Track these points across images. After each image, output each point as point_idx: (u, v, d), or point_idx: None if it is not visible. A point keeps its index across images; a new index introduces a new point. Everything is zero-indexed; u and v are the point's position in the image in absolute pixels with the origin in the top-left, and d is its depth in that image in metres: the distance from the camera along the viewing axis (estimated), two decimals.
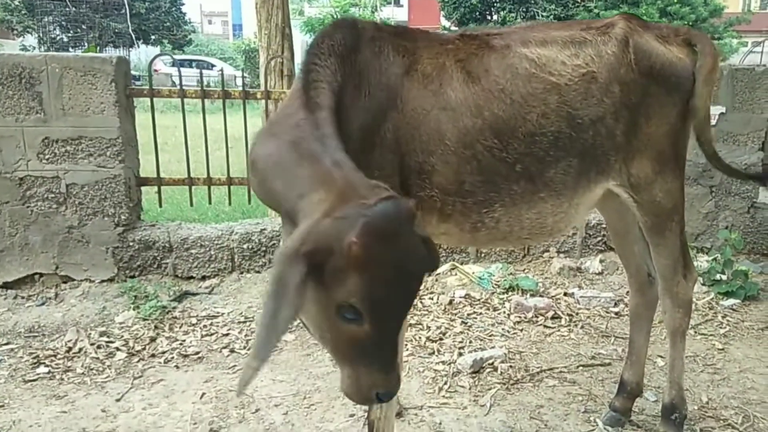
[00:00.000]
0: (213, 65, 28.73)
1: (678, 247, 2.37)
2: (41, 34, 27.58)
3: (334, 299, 1.47)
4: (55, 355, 3.46)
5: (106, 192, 4.18)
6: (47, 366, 3.34)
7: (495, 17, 22.50)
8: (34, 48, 27.05)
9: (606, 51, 2.11)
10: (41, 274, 4.26)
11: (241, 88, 4.29)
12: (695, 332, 3.79)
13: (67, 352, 3.50)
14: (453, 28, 23.79)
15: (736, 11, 27.25)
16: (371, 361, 1.55)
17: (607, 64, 2.10)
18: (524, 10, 21.70)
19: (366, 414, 2.85)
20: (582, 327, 3.89)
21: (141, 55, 30.30)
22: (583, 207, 2.23)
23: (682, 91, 2.21)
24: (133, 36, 26.92)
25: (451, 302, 4.17)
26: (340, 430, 2.79)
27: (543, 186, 2.06)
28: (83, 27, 28.10)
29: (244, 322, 3.92)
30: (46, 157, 4.09)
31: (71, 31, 28.24)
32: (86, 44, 27.98)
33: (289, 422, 2.84)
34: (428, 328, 3.82)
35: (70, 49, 27.60)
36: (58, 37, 28.18)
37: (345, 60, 1.91)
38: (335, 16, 31.89)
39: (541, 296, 4.22)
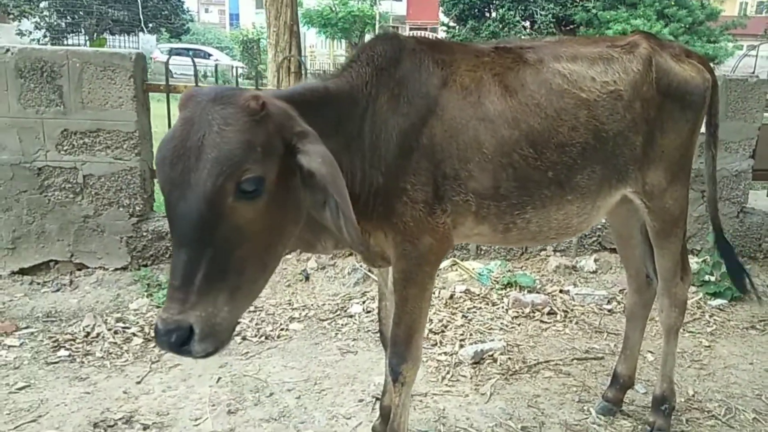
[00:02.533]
0: (210, 54, 28.79)
1: (679, 251, 2.56)
2: (38, 19, 27.47)
3: None
4: (74, 340, 3.62)
5: (121, 183, 4.32)
6: (67, 350, 3.50)
7: (494, 14, 22.64)
8: (30, 33, 26.95)
9: (631, 69, 2.29)
10: (56, 261, 4.40)
11: (254, 87, 4.43)
12: (684, 330, 3.99)
13: (86, 336, 3.65)
14: (451, 24, 23.93)
15: (732, 15, 27.56)
16: None
17: (632, 82, 2.28)
18: (523, 8, 21.86)
19: (376, 399, 3.04)
20: (576, 323, 4.08)
21: (139, 42, 30.30)
22: (603, 209, 2.41)
23: (694, 108, 2.42)
24: (141, 23, 26.89)
25: (452, 297, 4.35)
26: (350, 413, 2.96)
27: (570, 190, 2.23)
28: (81, 13, 28.00)
29: (254, 311, 4.08)
30: (65, 148, 4.23)
31: (68, 17, 28.14)
32: (83, 30, 27.93)
33: (302, 405, 3.02)
34: (431, 320, 4.00)
35: (68, 36, 27.51)
36: (55, 23, 28.06)
37: (383, 71, 2.06)
38: (333, 8, 32.00)
39: (538, 293, 4.41)
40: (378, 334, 3.78)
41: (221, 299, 1.54)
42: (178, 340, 1.49)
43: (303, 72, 5.40)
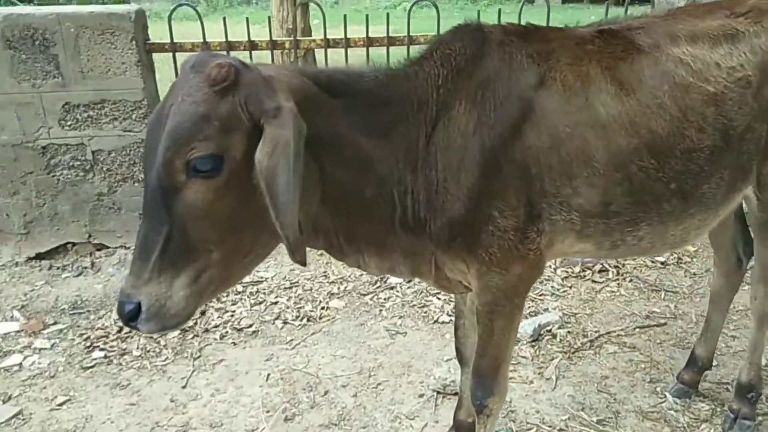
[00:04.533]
0: None
1: None
2: None
3: None
4: (107, 336, 3.42)
5: (134, 157, 3.99)
6: (102, 349, 3.31)
7: None
8: None
9: (759, 46, 1.88)
10: (74, 244, 4.16)
11: (268, 39, 3.98)
12: None
13: (119, 332, 3.45)
14: None
15: None
16: None
17: (760, 64, 1.88)
18: None
19: (437, 393, 2.88)
20: (630, 281, 3.88)
21: None
22: (723, 217, 2.11)
23: None
24: None
25: None
26: (413, 413, 2.80)
27: (695, 202, 1.90)
28: None
29: (290, 288, 3.87)
30: (68, 123, 3.87)
31: None
32: None
33: (361, 405, 2.86)
34: None
35: None
36: None
37: (461, 72, 1.71)
38: None
39: None
40: (423, 309, 3.63)
41: (179, 281, 1.47)
42: (126, 315, 1.46)
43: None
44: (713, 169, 1.86)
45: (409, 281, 3.91)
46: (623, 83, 1.75)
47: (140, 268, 1.45)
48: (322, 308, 3.67)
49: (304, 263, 1.56)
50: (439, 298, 3.69)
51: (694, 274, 3.96)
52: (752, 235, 2.42)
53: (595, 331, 3.36)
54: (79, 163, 3.95)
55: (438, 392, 2.90)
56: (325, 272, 4.04)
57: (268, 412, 2.83)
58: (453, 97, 1.72)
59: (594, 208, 1.79)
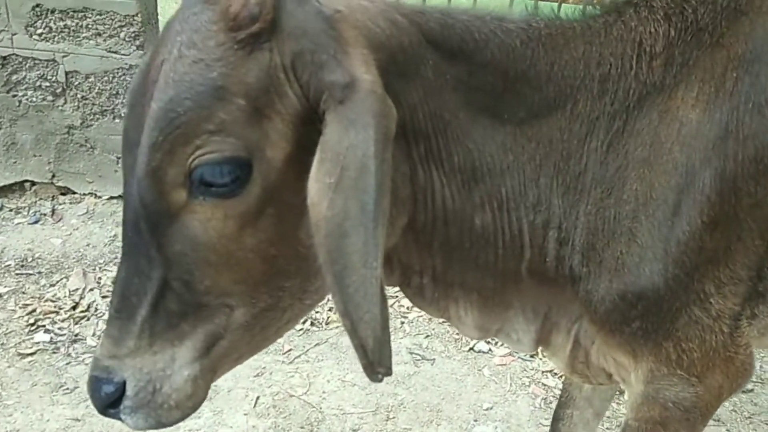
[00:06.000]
0: None
1: None
2: None
3: None
4: (57, 312, 2.71)
5: (117, 86, 3.19)
6: (48, 331, 2.60)
7: None
8: None
9: None
10: (33, 183, 3.38)
11: None
12: None
13: (73, 309, 2.73)
14: None
15: None
16: None
17: None
18: None
19: None
20: None
21: None
22: None
23: None
24: None
25: None
26: None
27: None
28: None
29: None
30: (38, 32, 3.05)
31: None
32: None
33: None
34: None
35: None
36: None
37: (700, 36, 1.00)
38: None
39: None
40: (454, 329, 2.94)
41: (182, 353, 0.96)
42: (103, 399, 0.96)
43: None
44: None
45: None
46: None
47: (122, 329, 0.96)
48: (330, 309, 2.97)
49: (389, 373, 0.88)
50: None
51: None
52: None
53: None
54: (48, 84, 3.15)
55: None
56: None
57: None
58: (678, 76, 1.00)
59: None
